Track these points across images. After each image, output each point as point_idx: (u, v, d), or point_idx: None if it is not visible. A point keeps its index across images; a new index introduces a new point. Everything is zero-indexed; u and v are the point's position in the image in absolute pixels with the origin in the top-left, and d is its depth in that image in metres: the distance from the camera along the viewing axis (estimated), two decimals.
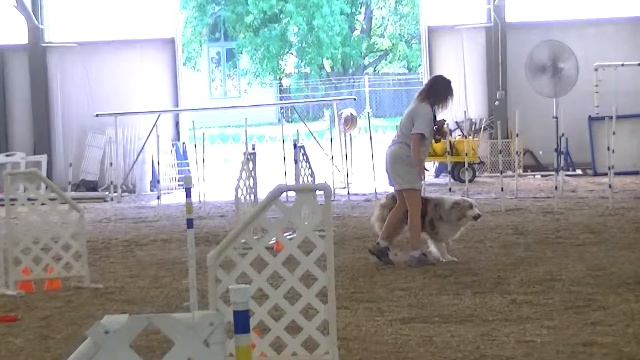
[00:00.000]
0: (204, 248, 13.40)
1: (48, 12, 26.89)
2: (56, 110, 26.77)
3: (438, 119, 12.31)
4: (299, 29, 49.21)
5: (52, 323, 9.33)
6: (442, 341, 7.96)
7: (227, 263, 6.60)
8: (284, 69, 52.90)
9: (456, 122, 25.52)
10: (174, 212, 19.79)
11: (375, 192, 19.37)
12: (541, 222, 15.81)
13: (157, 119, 23.73)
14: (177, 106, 27.09)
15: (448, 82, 12.43)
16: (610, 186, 17.75)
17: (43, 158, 25.79)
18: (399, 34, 52.09)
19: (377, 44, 54.25)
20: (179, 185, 25.16)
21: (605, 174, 19.01)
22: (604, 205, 17.63)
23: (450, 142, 20.94)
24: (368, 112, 27.30)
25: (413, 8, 48.61)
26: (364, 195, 21.23)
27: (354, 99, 27.17)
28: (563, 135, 21.49)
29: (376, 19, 53.65)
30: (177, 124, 27.35)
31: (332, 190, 18.24)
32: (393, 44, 52.44)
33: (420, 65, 37.70)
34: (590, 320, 8.46)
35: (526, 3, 26.59)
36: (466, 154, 19.92)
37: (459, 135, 25.15)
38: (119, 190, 23.33)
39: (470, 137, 24.69)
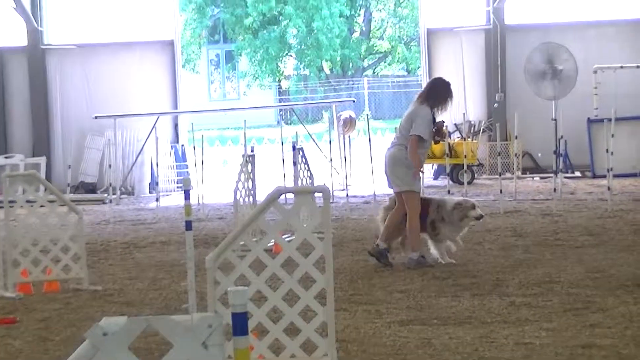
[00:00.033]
0: (203, 250, 13.39)
1: (47, 14, 26.88)
2: (55, 112, 26.76)
3: (437, 120, 12.33)
4: (298, 31, 49.23)
5: (51, 325, 9.33)
6: (441, 343, 7.96)
7: (225, 265, 6.60)
8: (283, 71, 52.92)
9: (455, 124, 25.52)
10: (173, 214, 19.78)
11: (374, 194, 19.36)
12: (540, 224, 15.81)
13: (156, 121, 23.73)
14: (176, 108, 27.08)
15: (447, 84, 12.44)
16: (609, 188, 17.74)
17: (42, 160, 25.79)
18: (398, 36, 52.11)
19: (376, 46, 54.28)
20: (177, 187, 25.16)
21: (604, 176, 19.00)
22: (602, 207, 17.63)
23: (449, 144, 20.94)
24: (367, 114, 27.26)
25: (412, 10, 48.65)
26: (363, 197, 21.23)
27: (353, 101, 27.17)
28: (562, 137, 21.47)
29: (375, 21, 53.69)
30: (176, 126, 27.35)
31: (331, 192, 18.23)
32: (392, 46, 52.46)
33: (419, 67, 37.73)
34: (589, 323, 8.46)
35: (525, 5, 26.60)
36: (465, 156, 19.93)
37: (458, 137, 25.15)
38: (118, 192, 23.33)
39: (469, 139, 24.69)
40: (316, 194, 6.79)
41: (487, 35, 26.42)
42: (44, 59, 26.76)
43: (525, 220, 16.32)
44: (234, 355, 4.11)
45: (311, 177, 15.81)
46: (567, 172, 24.10)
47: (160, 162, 20.57)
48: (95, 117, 24.51)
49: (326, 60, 51.56)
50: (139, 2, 26.89)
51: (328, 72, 53.47)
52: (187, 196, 8.54)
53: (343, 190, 20.96)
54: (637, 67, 25.20)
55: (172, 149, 26.40)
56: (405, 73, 54.19)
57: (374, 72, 54.84)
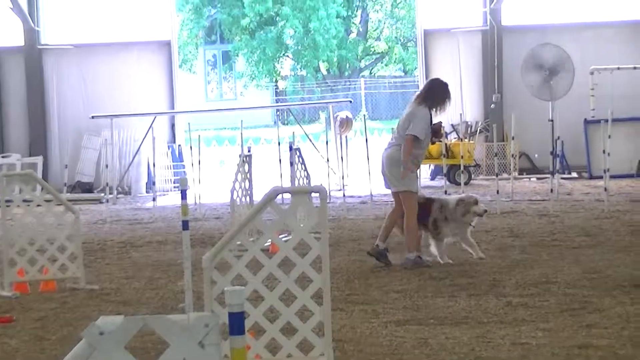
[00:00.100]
0: (200, 250, 13.38)
1: (44, 14, 26.86)
2: (52, 112, 26.74)
3: (435, 121, 12.34)
4: (295, 31, 49.22)
5: (48, 324, 9.33)
6: (437, 343, 7.96)
7: (222, 265, 6.60)
8: (280, 72, 52.91)
9: (452, 124, 25.53)
10: (170, 214, 19.78)
11: (371, 195, 19.36)
12: (537, 224, 15.82)
13: (153, 121, 23.71)
14: (173, 108, 27.06)
15: (445, 85, 12.44)
16: (605, 189, 17.75)
17: (39, 160, 25.76)
18: (395, 37, 52.11)
19: (373, 47, 54.28)
20: (174, 187, 25.14)
21: (601, 177, 19.01)
22: (599, 208, 17.64)
23: (446, 144, 20.94)
24: (364, 115, 27.26)
25: (409, 11, 48.65)
26: (360, 197, 21.23)
27: (350, 102, 27.18)
28: (559, 138, 21.51)
29: (372, 22, 53.69)
30: (173, 126, 27.34)
31: (328, 192, 18.23)
32: (389, 47, 52.45)
33: (416, 68, 37.75)
34: (586, 323, 8.46)
35: (522, 6, 26.60)
36: (462, 157, 19.91)
37: (455, 137, 25.15)
38: (115, 192, 23.31)
39: (466, 140, 24.68)
40: (313, 194, 6.78)
41: (484, 36, 26.42)
42: (40, 58, 26.74)
43: (522, 221, 16.33)
44: (231, 355, 4.11)
45: (308, 177, 15.81)
46: (563, 173, 24.10)
47: (157, 162, 20.58)
48: (92, 117, 24.49)
49: (323, 61, 51.56)
50: (135, 2, 26.87)
51: (325, 72, 53.47)
52: (183, 196, 8.54)
53: (340, 190, 20.96)
54: (634, 68, 25.21)
55: (169, 149, 26.38)
56: (402, 74, 54.19)
57: (370, 73, 54.85)
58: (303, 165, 15.74)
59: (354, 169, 25.09)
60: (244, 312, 4.17)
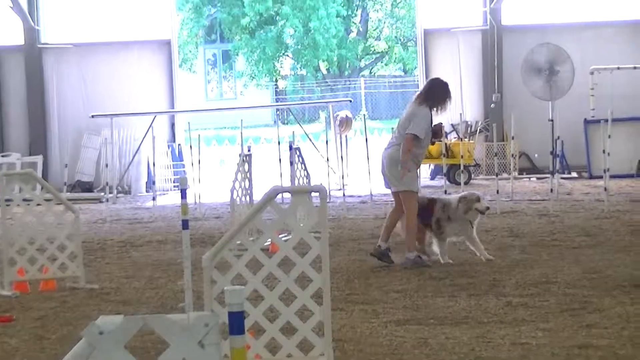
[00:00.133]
0: (200, 249, 13.38)
1: (44, 13, 26.86)
2: (52, 111, 26.74)
3: (435, 122, 12.34)
4: (295, 31, 49.21)
5: (47, 323, 9.32)
6: (437, 343, 7.96)
7: (222, 264, 6.59)
8: (279, 71, 52.90)
9: (452, 124, 25.53)
10: (170, 213, 19.78)
11: (371, 194, 19.36)
12: (537, 224, 15.82)
13: (153, 120, 23.71)
14: (172, 108, 27.07)
15: (445, 84, 12.43)
16: (605, 189, 17.74)
17: (39, 159, 25.77)
18: (395, 37, 52.10)
19: (373, 47, 54.27)
20: (174, 186, 25.14)
21: (601, 177, 19.00)
22: (599, 208, 17.64)
23: (446, 144, 20.94)
24: (364, 115, 27.28)
25: (409, 11, 48.64)
26: (360, 197, 21.23)
27: (350, 101, 27.17)
28: (559, 138, 21.51)
29: (372, 21, 53.68)
30: (172, 125, 27.34)
31: (328, 192, 18.23)
32: (389, 47, 52.45)
33: (416, 67, 37.74)
34: (586, 323, 8.46)
35: (522, 6, 26.60)
36: (462, 157, 19.91)
37: (455, 137, 25.15)
38: (115, 191, 23.31)
39: (466, 140, 24.68)
40: (313, 194, 6.78)
41: (484, 35, 26.43)
42: (40, 58, 26.74)
43: (522, 221, 16.32)
44: (231, 355, 4.10)
45: (308, 176, 15.81)
46: (563, 173, 24.11)
47: (157, 161, 20.58)
48: (92, 116, 24.50)
49: (323, 60, 51.55)
50: (135, 2, 26.87)
51: (325, 72, 53.46)
52: (183, 195, 8.53)
53: (340, 190, 20.96)
54: (634, 68, 25.21)
55: (168, 148, 26.39)
56: (402, 73, 54.19)
57: (370, 73, 54.84)
58: (303, 165, 15.74)
59: (354, 169, 25.09)
60: (244, 312, 4.17)
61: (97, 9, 26.73)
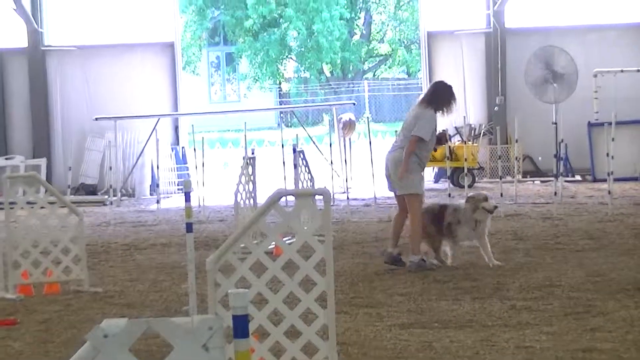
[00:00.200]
0: (204, 252, 13.37)
1: (48, 15, 26.88)
2: (55, 114, 26.75)
3: (438, 129, 12.37)
4: (299, 33, 49.21)
5: (51, 327, 9.33)
6: (442, 346, 7.95)
7: (226, 267, 6.59)
8: (283, 74, 52.90)
9: (455, 127, 25.51)
10: (174, 216, 19.78)
11: (375, 197, 19.36)
12: (540, 227, 15.81)
13: (157, 123, 23.72)
14: (176, 110, 27.08)
15: (449, 87, 12.45)
16: (609, 192, 17.73)
17: (42, 161, 25.78)
18: (399, 39, 52.09)
19: (376, 49, 54.26)
20: (178, 189, 25.15)
21: (605, 180, 19.00)
22: (603, 211, 17.62)
23: (449, 147, 20.94)
24: (367, 117, 27.30)
25: (412, 13, 48.63)
26: (364, 200, 21.23)
27: (354, 104, 27.22)
28: (562, 141, 21.48)
29: (376, 24, 53.66)
30: (176, 128, 27.34)
31: (332, 195, 18.23)
32: (392, 49, 52.44)
33: (419, 70, 37.71)
34: (590, 327, 8.45)
35: (526, 9, 26.59)
36: (465, 160, 19.92)
37: (459, 140, 25.14)
38: (119, 194, 23.32)
39: (470, 143, 24.68)
40: (317, 197, 6.78)
41: (487, 38, 26.42)
42: (44, 60, 26.75)
43: (526, 224, 16.32)
44: (235, 358, 4.10)
45: (312, 179, 15.80)
46: (567, 176, 24.09)
47: (160, 164, 20.57)
48: (96, 119, 24.51)
49: (326, 63, 51.53)
50: (139, 4, 26.88)
51: (328, 74, 53.45)
52: (187, 198, 8.54)
53: (344, 192, 20.95)
54: (638, 71, 25.19)
55: (172, 151, 26.40)
56: (406, 76, 54.19)
57: (374, 75, 54.82)
58: (307, 168, 15.73)
59: (358, 172, 25.09)
60: (248, 315, 4.17)
61: (101, 11, 26.74)
